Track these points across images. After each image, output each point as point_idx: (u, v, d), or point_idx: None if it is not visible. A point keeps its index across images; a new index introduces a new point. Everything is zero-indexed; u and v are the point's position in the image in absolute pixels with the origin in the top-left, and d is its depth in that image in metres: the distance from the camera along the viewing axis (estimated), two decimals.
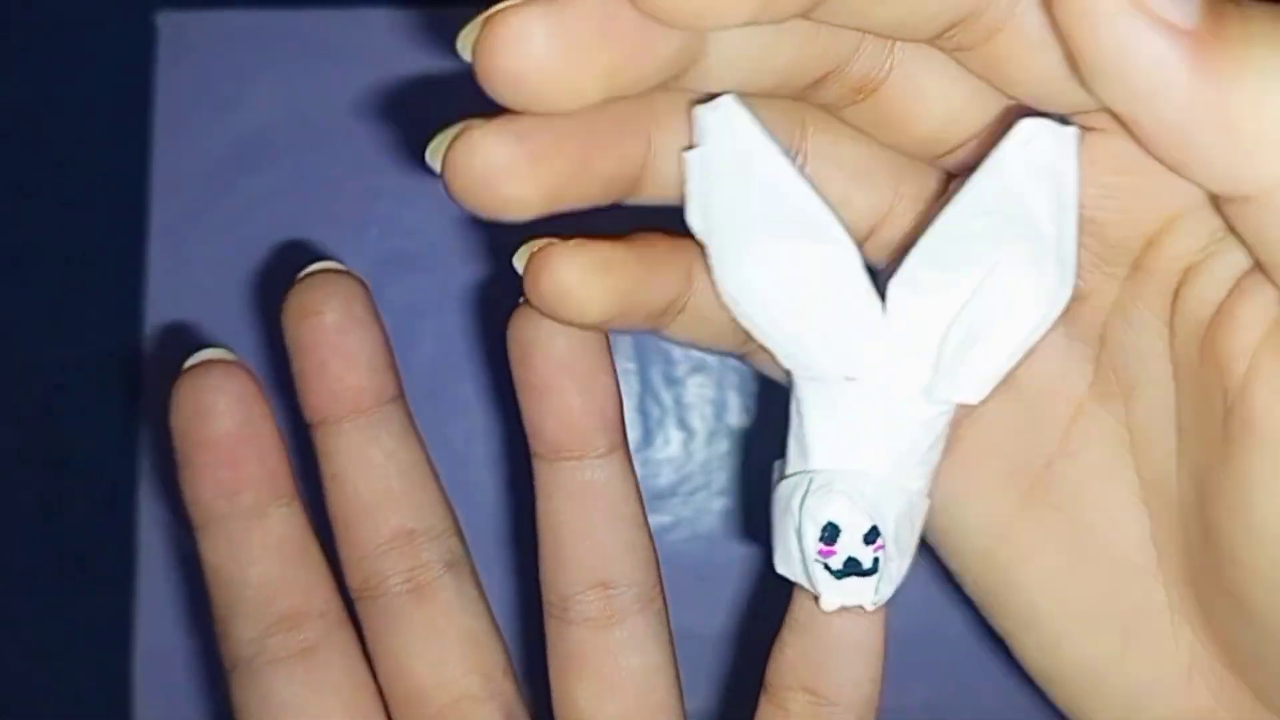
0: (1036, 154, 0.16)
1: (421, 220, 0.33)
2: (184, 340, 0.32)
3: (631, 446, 0.32)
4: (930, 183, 0.19)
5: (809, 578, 0.19)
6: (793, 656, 0.19)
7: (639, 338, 0.33)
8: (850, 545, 0.18)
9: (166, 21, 0.33)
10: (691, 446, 0.32)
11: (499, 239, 0.33)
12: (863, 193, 0.18)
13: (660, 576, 0.20)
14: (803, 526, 0.18)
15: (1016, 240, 0.17)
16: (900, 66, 0.16)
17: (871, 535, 0.18)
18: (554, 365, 0.18)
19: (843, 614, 0.19)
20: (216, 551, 0.19)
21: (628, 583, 0.20)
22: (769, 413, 0.32)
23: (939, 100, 0.17)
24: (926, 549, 0.32)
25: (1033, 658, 0.20)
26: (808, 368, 0.18)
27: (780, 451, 0.20)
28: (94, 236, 0.34)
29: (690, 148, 0.17)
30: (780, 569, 0.19)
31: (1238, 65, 0.12)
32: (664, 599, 0.20)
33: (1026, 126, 0.16)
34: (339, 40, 0.33)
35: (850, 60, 0.16)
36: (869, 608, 0.18)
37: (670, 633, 0.21)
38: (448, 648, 0.19)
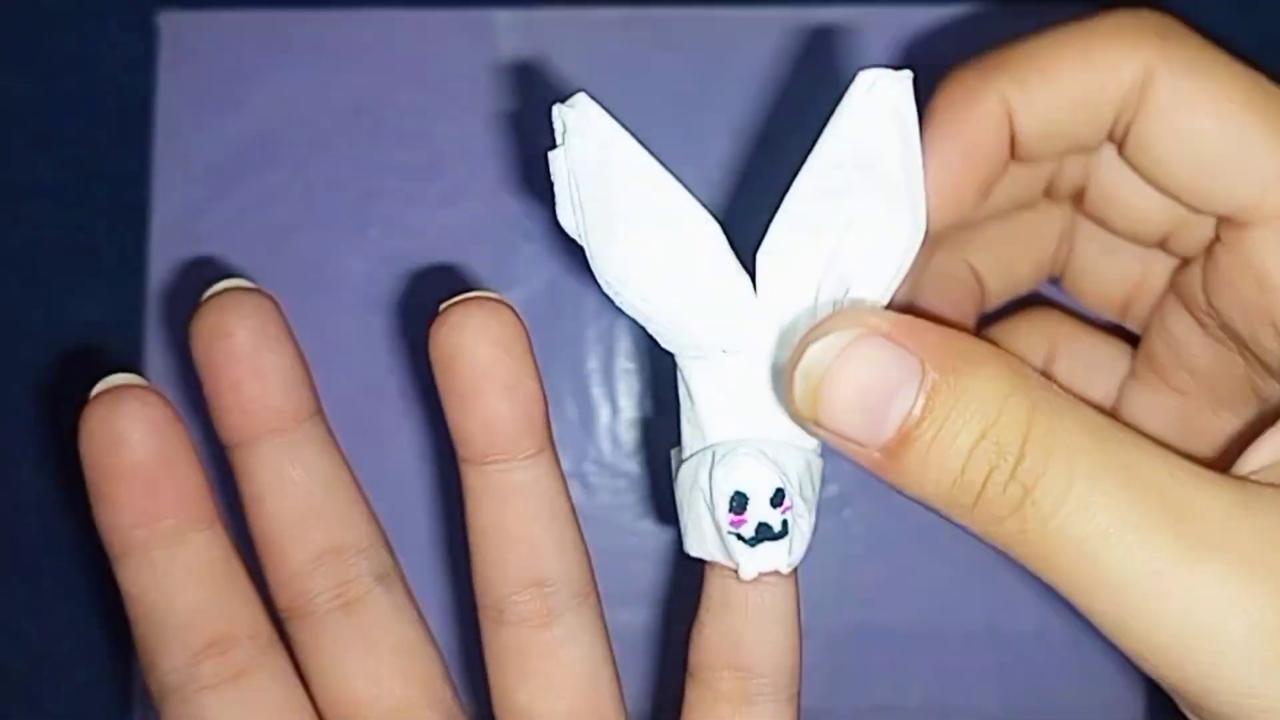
0: (880, 100, 0.17)
1: (421, 220, 0.33)
2: (186, 340, 0.33)
3: (631, 446, 0.33)
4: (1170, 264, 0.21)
5: (724, 550, 0.19)
6: (712, 636, 0.20)
7: (639, 338, 0.33)
8: (759, 511, 0.19)
9: (168, 21, 0.33)
10: None
11: (498, 240, 0.33)
12: (1112, 264, 0.22)
13: (593, 571, 0.20)
14: (713, 499, 0.19)
15: (870, 190, 0.17)
16: (1094, 178, 0.20)
17: (778, 497, 0.19)
18: (478, 371, 0.18)
19: (758, 584, 0.19)
20: (138, 581, 0.18)
21: (562, 580, 0.20)
22: None
23: (1128, 201, 0.20)
24: (923, 551, 0.33)
25: None
26: (691, 347, 0.19)
27: (676, 440, 0.20)
28: (95, 236, 0.34)
29: (553, 147, 0.18)
30: (694, 551, 0.20)
31: (907, 471, 0.16)
32: (598, 594, 0.21)
33: (866, 75, 0.17)
34: (340, 41, 0.33)
35: (1053, 175, 0.20)
36: (784, 570, 0.19)
37: (606, 627, 0.21)
38: (383, 659, 0.19)
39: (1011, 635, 0.32)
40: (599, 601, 0.20)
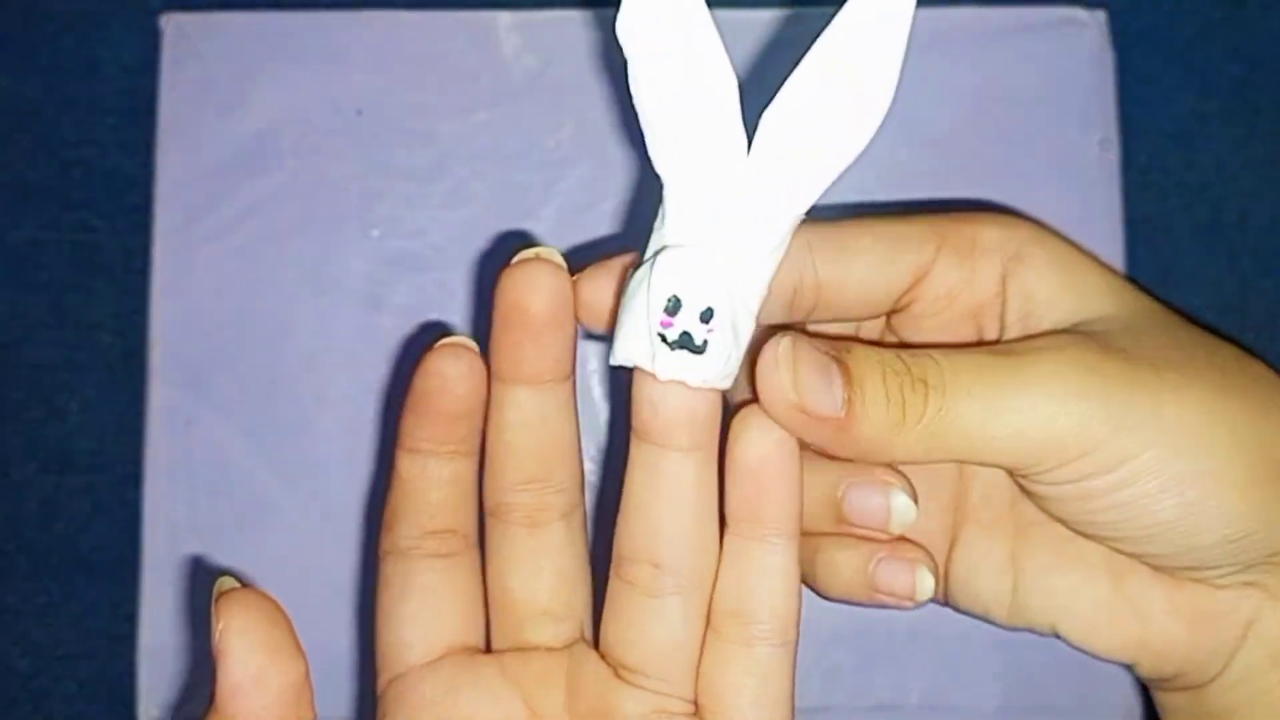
0: (880, 6, 0.20)
1: (423, 222, 0.33)
2: (189, 340, 0.33)
3: None
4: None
5: (649, 352, 0.21)
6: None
7: None
8: (687, 320, 0.20)
9: (170, 23, 0.34)
10: None
11: (500, 241, 0.33)
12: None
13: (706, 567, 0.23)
14: (652, 292, 0.20)
15: (849, 88, 0.20)
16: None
17: (707, 314, 0.20)
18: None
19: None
20: (410, 469, 0.24)
21: (672, 567, 0.23)
22: None
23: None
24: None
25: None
26: (683, 172, 0.21)
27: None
28: (99, 236, 0.34)
29: None
30: (618, 357, 0.21)
31: (859, 429, 0.22)
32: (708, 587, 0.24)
33: None
34: (342, 42, 0.34)
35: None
36: (691, 384, 0.21)
37: (706, 615, 0.24)
38: (541, 574, 0.25)
39: (1011, 634, 0.32)
40: (708, 596, 0.23)
